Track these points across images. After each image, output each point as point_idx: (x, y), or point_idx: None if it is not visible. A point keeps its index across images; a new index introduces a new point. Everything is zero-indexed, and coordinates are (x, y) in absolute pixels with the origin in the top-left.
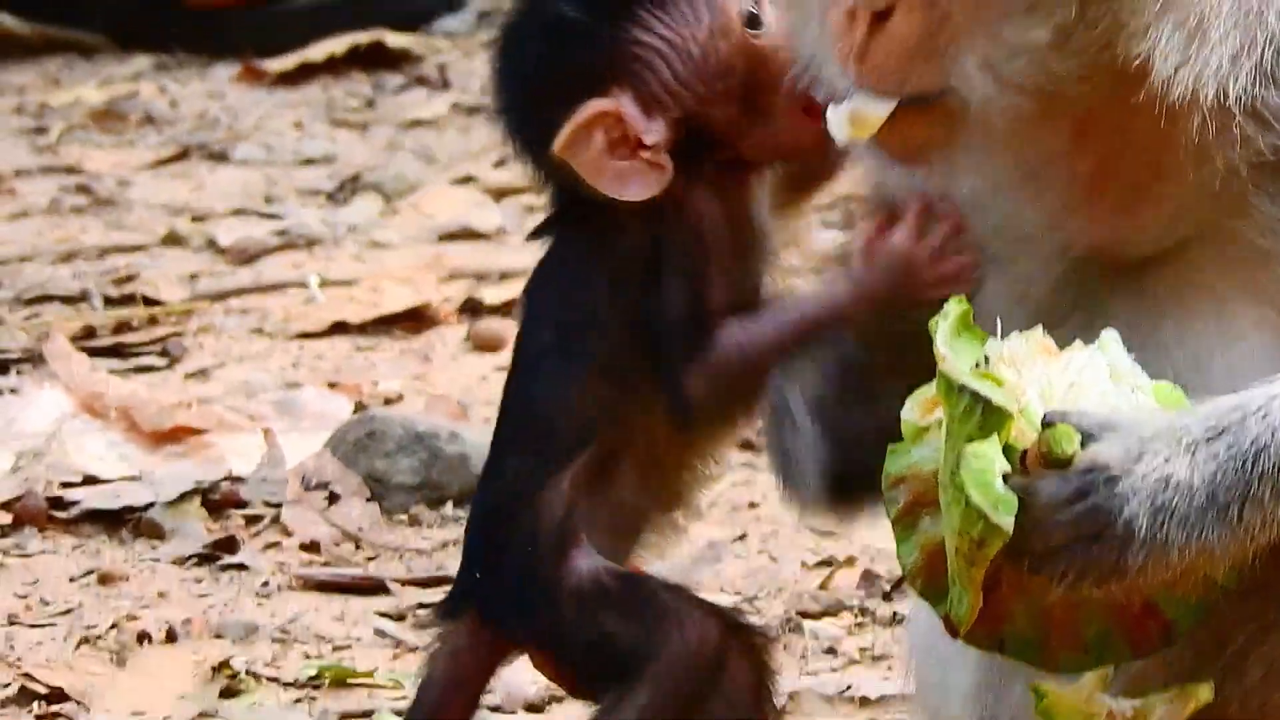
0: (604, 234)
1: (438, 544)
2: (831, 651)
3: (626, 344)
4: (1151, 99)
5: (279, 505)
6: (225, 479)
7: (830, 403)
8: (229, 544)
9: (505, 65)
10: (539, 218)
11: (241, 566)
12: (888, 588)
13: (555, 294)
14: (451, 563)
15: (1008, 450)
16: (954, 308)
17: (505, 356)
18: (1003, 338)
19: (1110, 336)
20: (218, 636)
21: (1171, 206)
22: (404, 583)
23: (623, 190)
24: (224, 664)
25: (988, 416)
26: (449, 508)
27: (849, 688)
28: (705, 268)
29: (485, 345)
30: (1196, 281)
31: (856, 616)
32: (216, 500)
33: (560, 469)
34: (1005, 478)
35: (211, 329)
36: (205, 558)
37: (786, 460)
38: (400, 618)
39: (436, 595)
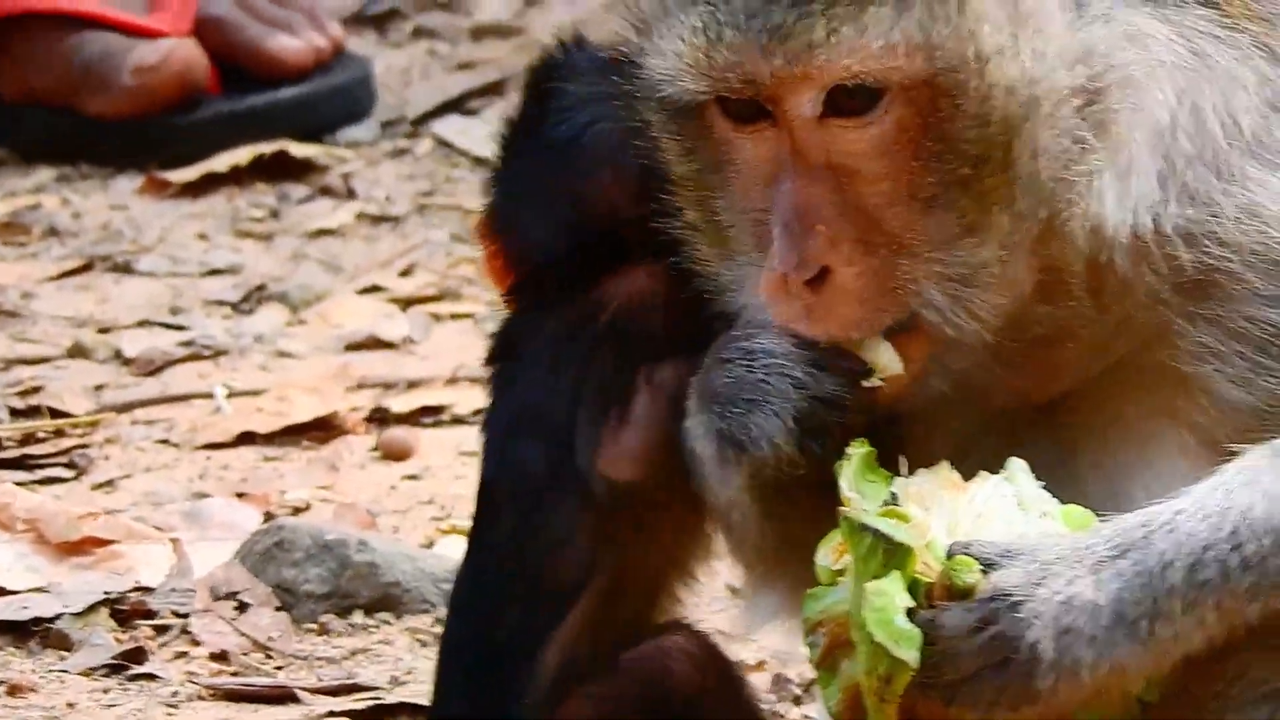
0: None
1: (347, 652)
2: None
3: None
4: (1080, 250)
5: (188, 615)
6: (133, 589)
7: None
8: (137, 654)
9: None
10: (445, 327)
11: (150, 676)
12: (798, 691)
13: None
14: (362, 671)
15: (914, 586)
16: (857, 450)
17: (414, 465)
18: (909, 476)
19: (1017, 466)
20: None
21: (1093, 344)
22: (314, 691)
23: None
24: None
25: (890, 554)
26: (358, 616)
27: None
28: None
29: (393, 454)
30: (1113, 412)
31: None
32: (125, 610)
33: (560, 622)
34: (911, 612)
35: (118, 440)
36: (114, 668)
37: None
38: None
39: (346, 704)
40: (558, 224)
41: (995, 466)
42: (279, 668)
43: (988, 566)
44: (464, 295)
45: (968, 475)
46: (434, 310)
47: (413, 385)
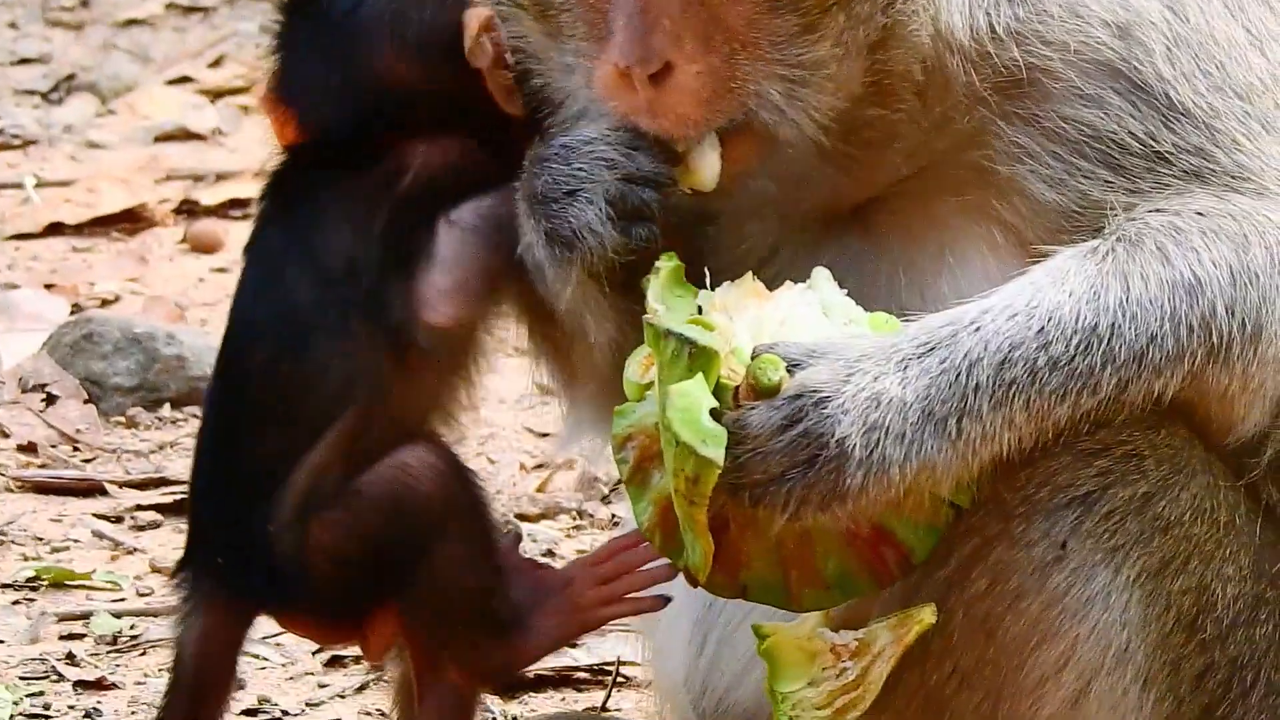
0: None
1: (155, 445)
2: (550, 554)
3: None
4: (919, 53)
5: None
6: None
7: None
8: None
9: None
10: (254, 119)
11: None
12: (606, 490)
13: (304, 245)
14: (169, 464)
15: (720, 390)
16: (665, 264)
17: (223, 258)
18: (714, 288)
19: (821, 274)
20: None
21: (908, 148)
22: (122, 484)
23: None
24: None
25: (696, 358)
26: (166, 409)
27: None
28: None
29: (202, 247)
30: (925, 213)
31: (574, 519)
32: None
33: (317, 441)
34: (716, 414)
35: None
36: None
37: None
38: (118, 520)
39: (153, 497)
40: (340, 95)
41: (808, 271)
42: (87, 460)
43: (794, 366)
44: None
45: (778, 283)
46: (243, 102)
47: (221, 177)
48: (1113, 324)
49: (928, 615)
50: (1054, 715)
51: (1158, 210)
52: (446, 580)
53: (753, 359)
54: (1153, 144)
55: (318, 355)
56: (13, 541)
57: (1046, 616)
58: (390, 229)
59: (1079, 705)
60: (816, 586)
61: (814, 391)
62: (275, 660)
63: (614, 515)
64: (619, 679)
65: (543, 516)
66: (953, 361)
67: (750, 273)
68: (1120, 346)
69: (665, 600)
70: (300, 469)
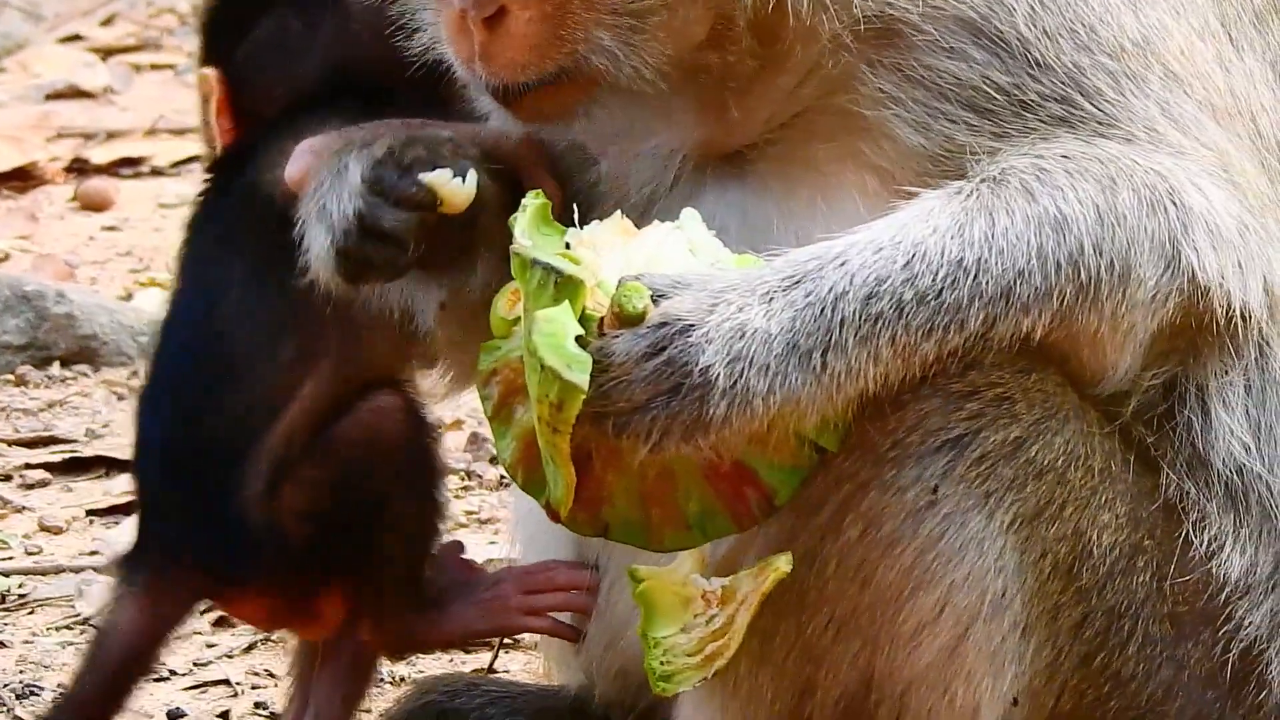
0: None
1: (44, 404)
2: None
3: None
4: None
5: None
6: None
7: None
8: None
9: None
10: (145, 78)
11: None
12: (494, 451)
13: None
14: (59, 423)
15: (585, 320)
16: (532, 201)
17: (113, 216)
18: (583, 226)
19: (689, 215)
20: None
21: (778, 95)
22: (10, 443)
23: None
24: None
25: (562, 287)
26: (55, 368)
27: None
28: None
29: (93, 205)
30: (799, 158)
31: (463, 480)
32: None
33: (281, 409)
34: (581, 341)
35: None
36: None
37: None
38: (6, 478)
39: (43, 455)
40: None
41: (687, 205)
42: None
43: (659, 297)
44: (165, 46)
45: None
46: (134, 60)
47: (112, 136)
48: (979, 259)
49: (783, 564)
50: (932, 664)
51: (1022, 154)
52: (395, 537)
53: (618, 289)
54: (1017, 93)
55: (266, 322)
56: None
57: (920, 563)
58: None
59: (957, 652)
60: (678, 527)
61: (678, 319)
62: None
63: (502, 476)
64: (506, 641)
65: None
66: (818, 294)
67: (619, 212)
68: (987, 282)
69: (581, 632)
70: (267, 436)
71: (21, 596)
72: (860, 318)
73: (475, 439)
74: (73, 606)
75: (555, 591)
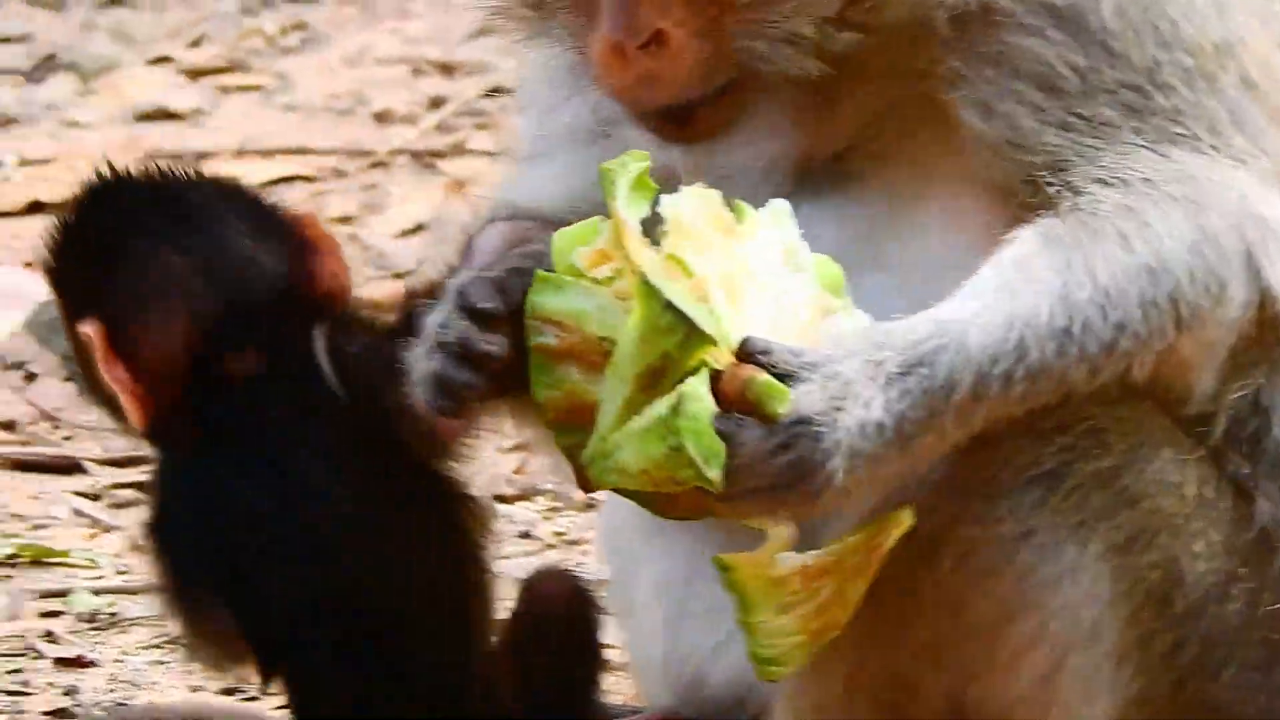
0: None
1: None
2: (526, 535)
3: None
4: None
5: None
6: None
7: None
8: None
9: None
10: (233, 99)
11: None
12: None
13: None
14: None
15: (701, 364)
16: (634, 163)
17: None
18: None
19: (782, 208)
20: None
21: (872, 87)
22: (100, 462)
23: None
24: None
25: (691, 339)
26: None
27: None
28: None
29: None
30: (892, 158)
31: (552, 501)
32: None
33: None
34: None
35: None
36: None
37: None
38: (96, 497)
39: (132, 475)
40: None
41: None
42: (66, 438)
43: (787, 378)
44: (253, 67)
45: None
46: (223, 82)
47: (201, 157)
48: (1085, 321)
49: (906, 517)
50: (1025, 693)
51: (1103, 182)
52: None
53: (744, 356)
54: (1092, 75)
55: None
56: None
57: (1015, 593)
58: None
59: (1051, 681)
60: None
61: (809, 423)
62: None
63: (590, 497)
64: None
65: (520, 498)
66: (933, 383)
67: (715, 190)
68: (1092, 342)
69: None
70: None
71: (112, 615)
72: (967, 403)
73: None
74: (163, 626)
75: None
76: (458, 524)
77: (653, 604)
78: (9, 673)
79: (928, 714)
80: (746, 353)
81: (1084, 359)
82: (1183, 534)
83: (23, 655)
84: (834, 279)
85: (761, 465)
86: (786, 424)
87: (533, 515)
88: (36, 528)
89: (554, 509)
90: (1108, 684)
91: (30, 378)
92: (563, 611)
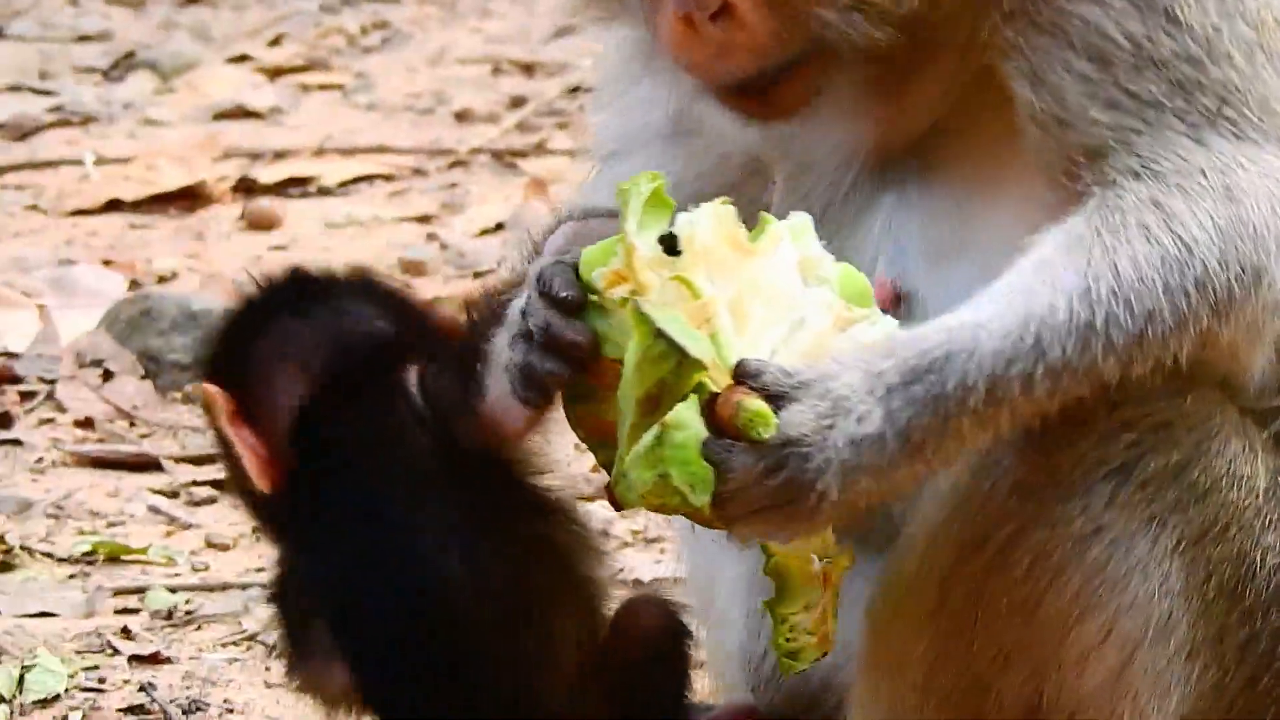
0: None
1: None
2: (604, 534)
3: None
4: None
5: (54, 381)
6: (0, 355)
7: None
8: (3, 419)
9: None
10: (313, 97)
11: (16, 442)
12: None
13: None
14: None
15: (698, 388)
16: (647, 184)
17: (280, 236)
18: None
19: (803, 222)
20: None
21: (944, 71)
22: (177, 460)
23: None
24: None
25: (684, 366)
26: None
27: (621, 571)
28: None
29: (260, 224)
30: (969, 141)
31: None
32: None
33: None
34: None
35: None
36: None
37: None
38: (173, 495)
39: (209, 473)
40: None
41: (866, 214)
42: (144, 435)
43: (778, 399)
44: (332, 66)
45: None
46: (302, 80)
47: (280, 155)
48: (1108, 315)
49: (846, 559)
50: (1098, 689)
51: (1135, 174)
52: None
53: (739, 379)
54: (1147, 45)
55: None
56: (69, 516)
57: (1086, 590)
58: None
59: (1123, 677)
60: None
61: (797, 443)
62: None
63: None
64: None
65: (598, 497)
66: (942, 390)
67: (729, 206)
68: (1118, 334)
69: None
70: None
71: (189, 613)
72: (985, 406)
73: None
74: (239, 623)
75: None
76: (561, 551)
77: (733, 600)
78: (86, 669)
79: (1001, 716)
80: (739, 376)
81: (1111, 351)
82: (1254, 527)
83: (99, 652)
84: (859, 289)
85: (754, 489)
86: (775, 446)
87: (611, 514)
88: (113, 525)
89: None
90: (1180, 679)
91: (108, 376)
92: (656, 643)
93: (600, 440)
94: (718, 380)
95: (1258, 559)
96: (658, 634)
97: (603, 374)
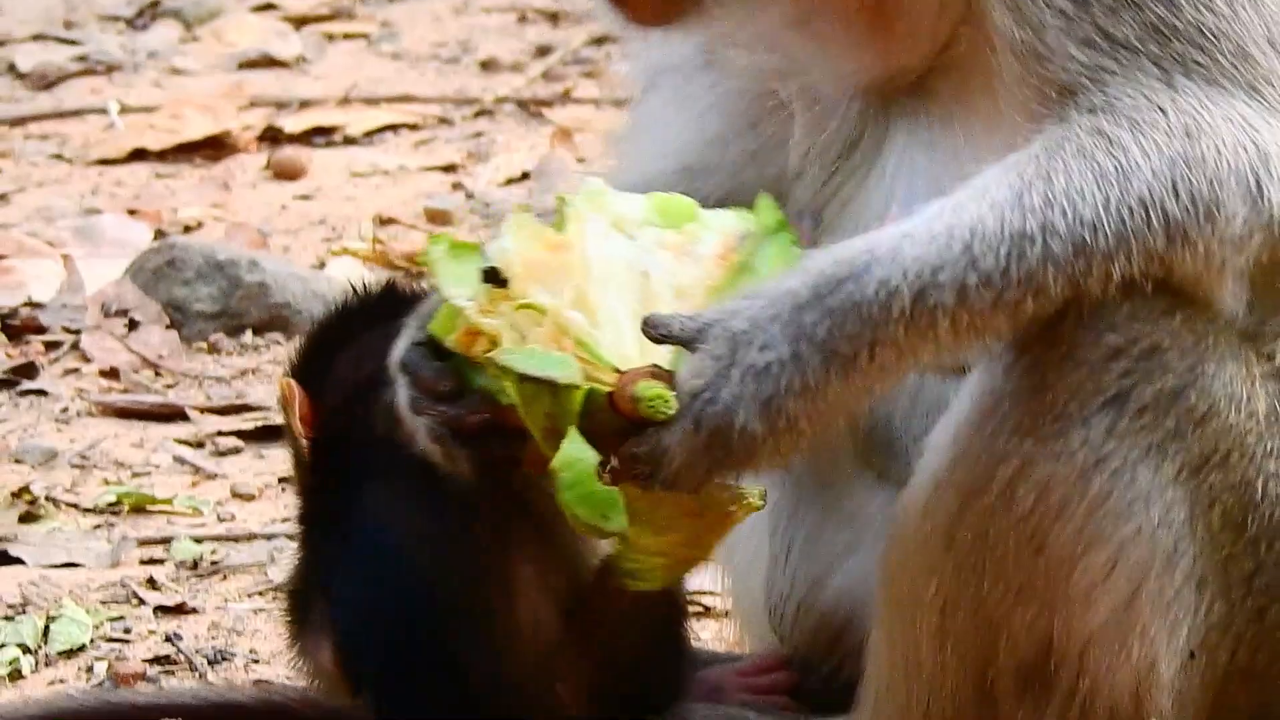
0: None
1: (236, 371)
2: None
3: None
4: None
5: (79, 332)
6: (25, 305)
7: None
8: (28, 370)
9: None
10: (339, 46)
11: (41, 392)
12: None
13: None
14: (250, 390)
15: (591, 396)
16: (438, 245)
17: (306, 185)
18: (495, 241)
19: (596, 187)
20: (17, 462)
21: (930, 9)
22: (203, 410)
23: None
24: (23, 490)
25: (560, 394)
26: (248, 336)
27: None
28: None
29: (285, 174)
30: (976, 75)
31: None
32: (16, 326)
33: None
34: (601, 453)
35: (10, 154)
36: (4, 383)
37: None
38: (199, 445)
39: (235, 423)
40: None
41: (878, 155)
42: (169, 386)
43: (690, 345)
44: (358, 15)
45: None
46: (328, 29)
47: (305, 105)
48: (1043, 223)
49: (756, 499)
50: (1107, 621)
51: (1092, 111)
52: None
53: (643, 393)
54: None
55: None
56: (94, 466)
57: (1091, 523)
58: None
59: (1131, 611)
60: None
61: (702, 393)
62: None
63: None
64: (698, 609)
65: None
66: (863, 295)
67: (519, 209)
68: (1056, 243)
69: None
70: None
71: (214, 563)
72: (914, 311)
73: None
74: (265, 573)
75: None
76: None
77: (753, 545)
78: (111, 620)
79: (1015, 653)
80: (649, 332)
81: (1051, 261)
82: (1255, 454)
83: (125, 603)
84: (679, 209)
85: (691, 456)
86: (685, 406)
87: None
88: (138, 475)
89: None
90: (1188, 609)
91: (133, 325)
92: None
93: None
94: (605, 379)
95: (1260, 487)
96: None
97: (517, 420)
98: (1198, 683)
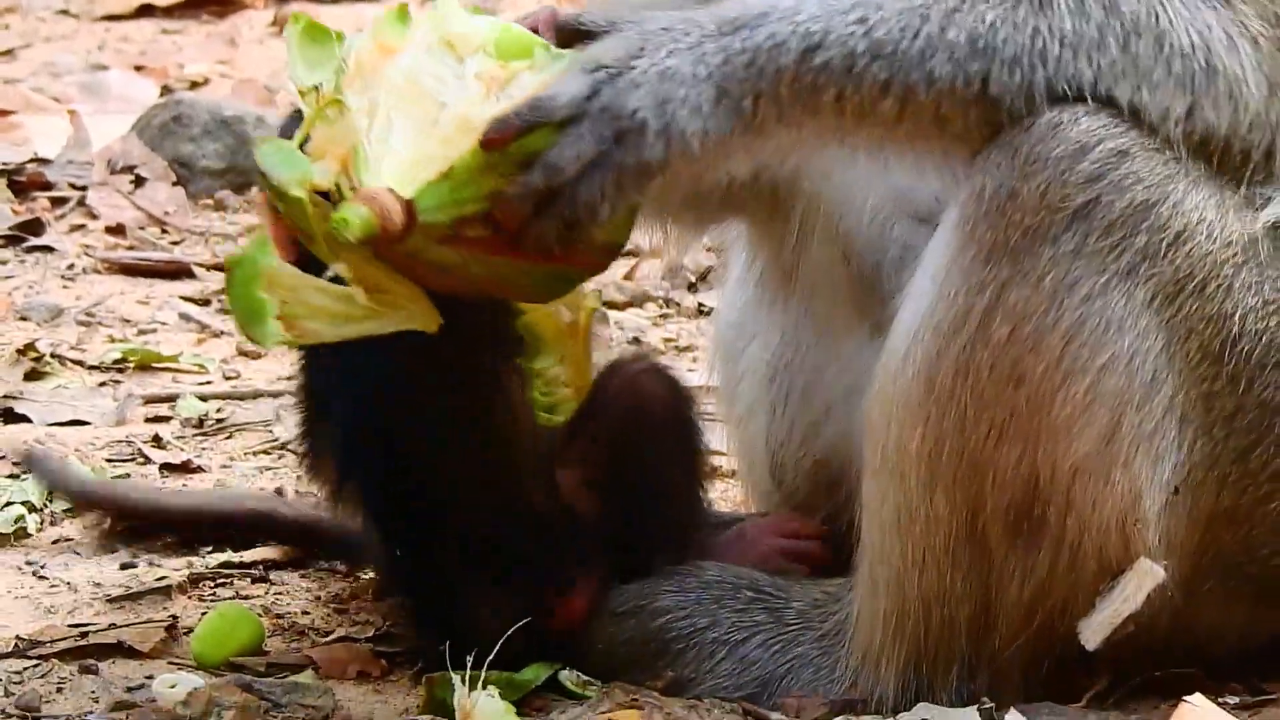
0: None
1: (243, 228)
2: (636, 342)
3: None
4: None
5: (84, 188)
6: (31, 160)
7: None
8: (34, 226)
9: None
10: None
11: (47, 249)
12: (693, 279)
13: None
14: None
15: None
16: (296, 24)
17: None
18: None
19: (445, 3)
20: (23, 319)
21: None
22: (209, 267)
23: None
24: (29, 347)
25: (287, 199)
26: (254, 192)
27: None
28: None
29: None
30: None
31: (661, 307)
32: (22, 182)
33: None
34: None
35: (17, 9)
36: (10, 239)
37: None
38: (204, 302)
39: None
40: None
41: None
42: (175, 242)
43: (590, 35)
44: None
45: None
46: None
47: None
48: (947, 11)
49: (592, 300)
50: (1090, 453)
51: None
52: (669, 501)
53: (338, 210)
54: None
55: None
56: (100, 323)
57: (1068, 353)
58: None
59: (1113, 442)
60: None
61: (604, 65)
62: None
63: (700, 304)
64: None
65: (630, 304)
66: (754, 42)
67: (382, 20)
68: (955, 33)
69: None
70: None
71: (219, 421)
72: (799, 69)
73: (674, 267)
74: (270, 431)
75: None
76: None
77: (753, 393)
78: (116, 478)
79: (1003, 493)
80: (565, 35)
81: (945, 51)
82: (1233, 286)
83: (130, 460)
84: (521, 43)
85: (584, 123)
86: (588, 70)
87: (643, 322)
88: (144, 332)
89: (664, 315)
90: (1171, 443)
91: (139, 182)
92: (643, 398)
93: None
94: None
95: (1239, 321)
96: (643, 389)
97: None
98: (1184, 522)
